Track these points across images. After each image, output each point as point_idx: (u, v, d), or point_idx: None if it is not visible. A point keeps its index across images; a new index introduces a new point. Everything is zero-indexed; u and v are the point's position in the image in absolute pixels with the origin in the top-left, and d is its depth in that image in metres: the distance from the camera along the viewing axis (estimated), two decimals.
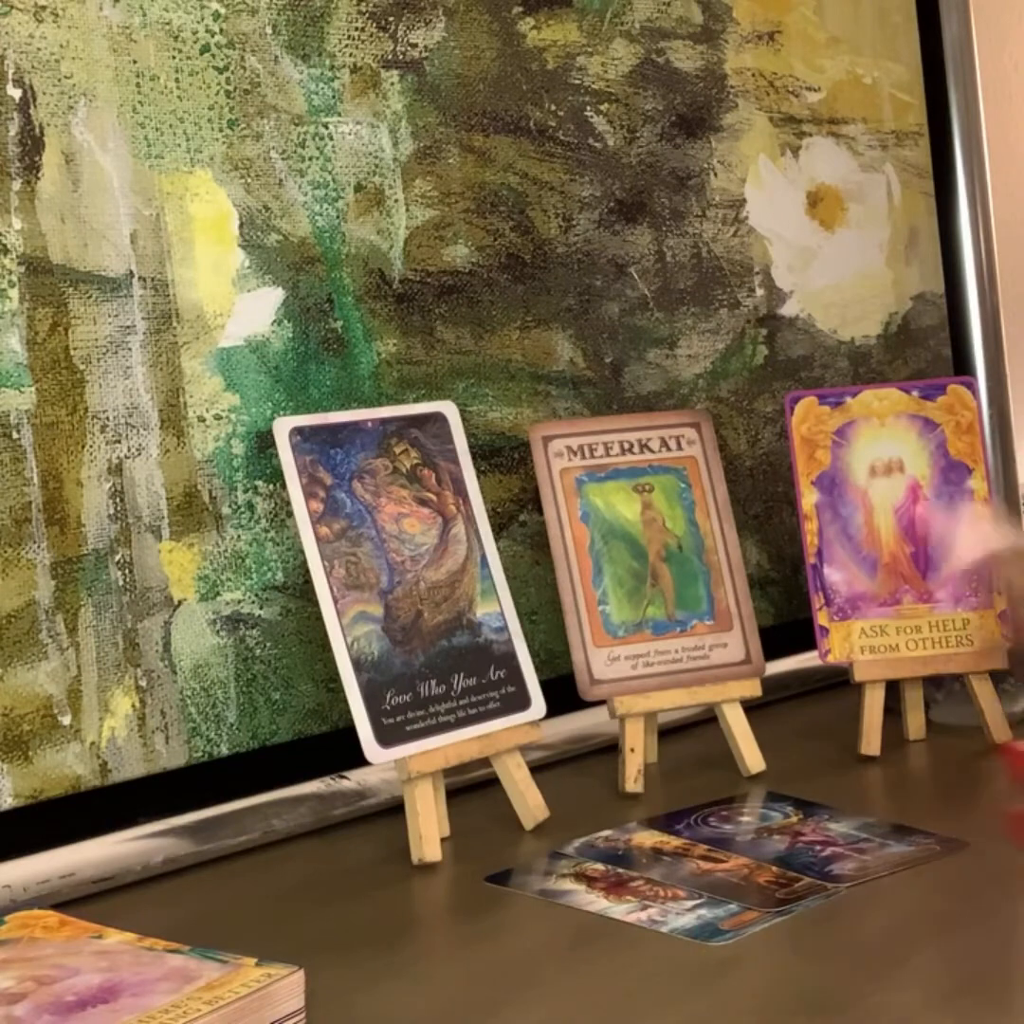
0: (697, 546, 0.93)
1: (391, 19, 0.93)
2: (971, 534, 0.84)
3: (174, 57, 0.85)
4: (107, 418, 0.82)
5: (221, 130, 0.86)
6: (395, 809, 0.83)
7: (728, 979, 0.64)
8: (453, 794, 0.85)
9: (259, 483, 0.87)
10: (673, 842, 0.80)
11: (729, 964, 0.65)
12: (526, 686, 0.85)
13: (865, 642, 0.94)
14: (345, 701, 0.79)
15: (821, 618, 0.95)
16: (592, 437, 0.93)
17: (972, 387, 1.00)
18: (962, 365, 1.25)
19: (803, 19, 1.16)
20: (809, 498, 0.96)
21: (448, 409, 0.88)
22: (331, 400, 0.90)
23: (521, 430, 0.98)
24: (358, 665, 0.79)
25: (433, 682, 0.81)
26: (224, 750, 0.86)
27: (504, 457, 0.98)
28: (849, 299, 1.18)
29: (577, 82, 1.02)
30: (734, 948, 0.67)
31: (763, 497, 1.11)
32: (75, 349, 0.81)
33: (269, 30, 0.88)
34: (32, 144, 0.80)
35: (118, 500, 0.82)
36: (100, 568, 0.81)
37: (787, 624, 1.09)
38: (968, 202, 1.25)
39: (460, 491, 0.86)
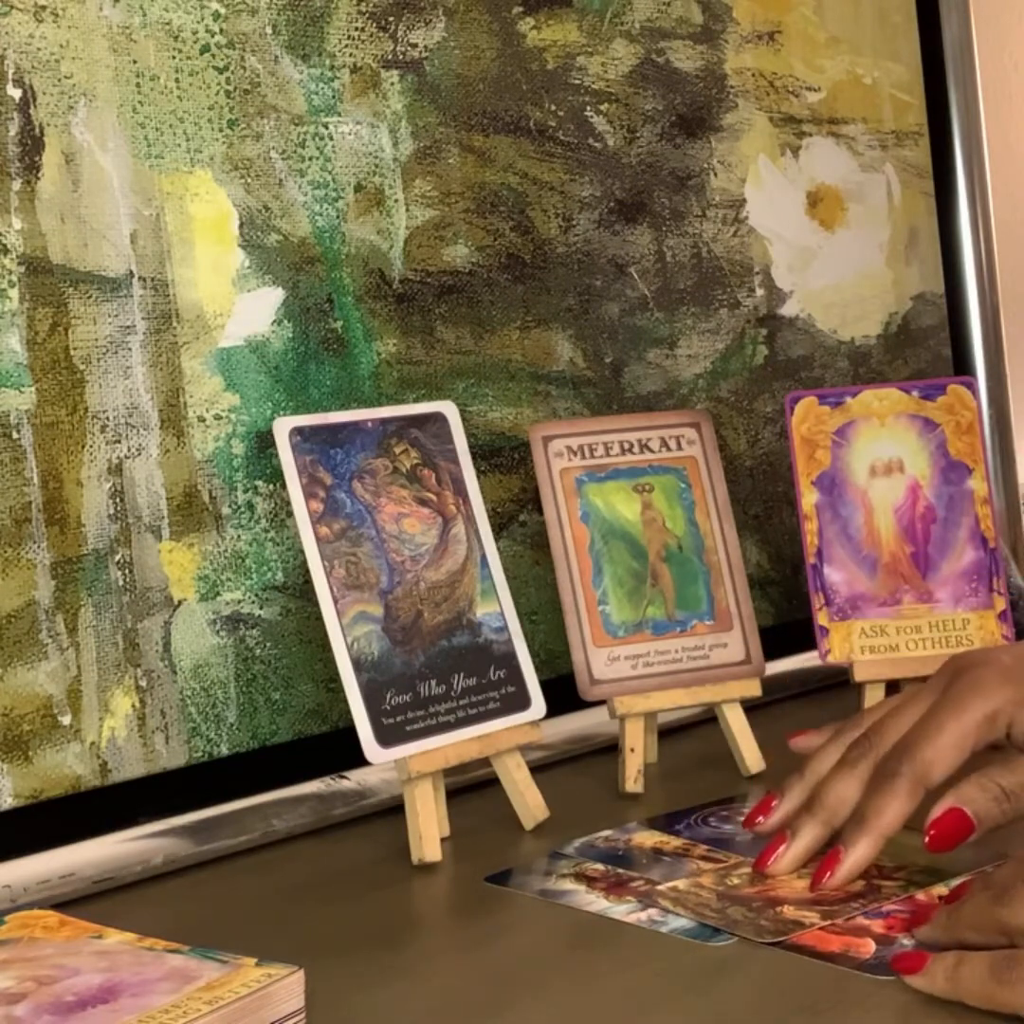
0: (697, 546, 0.93)
1: (391, 19, 0.93)
2: None
3: (174, 57, 0.85)
4: (107, 418, 0.82)
5: (221, 130, 0.86)
6: (395, 809, 0.83)
7: (728, 979, 0.64)
8: (453, 794, 0.85)
9: (259, 483, 0.87)
10: (673, 842, 0.80)
11: (729, 964, 0.65)
12: (526, 686, 0.85)
13: (865, 642, 0.94)
14: (345, 701, 0.79)
15: (821, 618, 0.95)
16: (592, 437, 0.93)
17: (972, 387, 1.00)
18: (962, 365, 1.25)
19: (803, 19, 1.16)
20: (809, 498, 0.96)
21: (448, 409, 0.88)
22: (331, 400, 0.90)
23: (521, 430, 0.98)
24: (358, 665, 0.79)
25: (433, 682, 0.81)
26: (224, 750, 0.86)
27: (504, 457, 0.98)
28: (849, 299, 1.18)
29: (577, 82, 1.02)
30: (734, 948, 0.67)
31: (763, 497, 1.11)
32: (75, 349, 0.81)
33: (269, 30, 0.88)
34: (32, 144, 0.80)
35: (118, 500, 0.82)
36: (100, 568, 0.82)
37: (787, 624, 1.09)
38: (968, 202, 1.25)
39: (460, 491, 0.86)
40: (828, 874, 0.72)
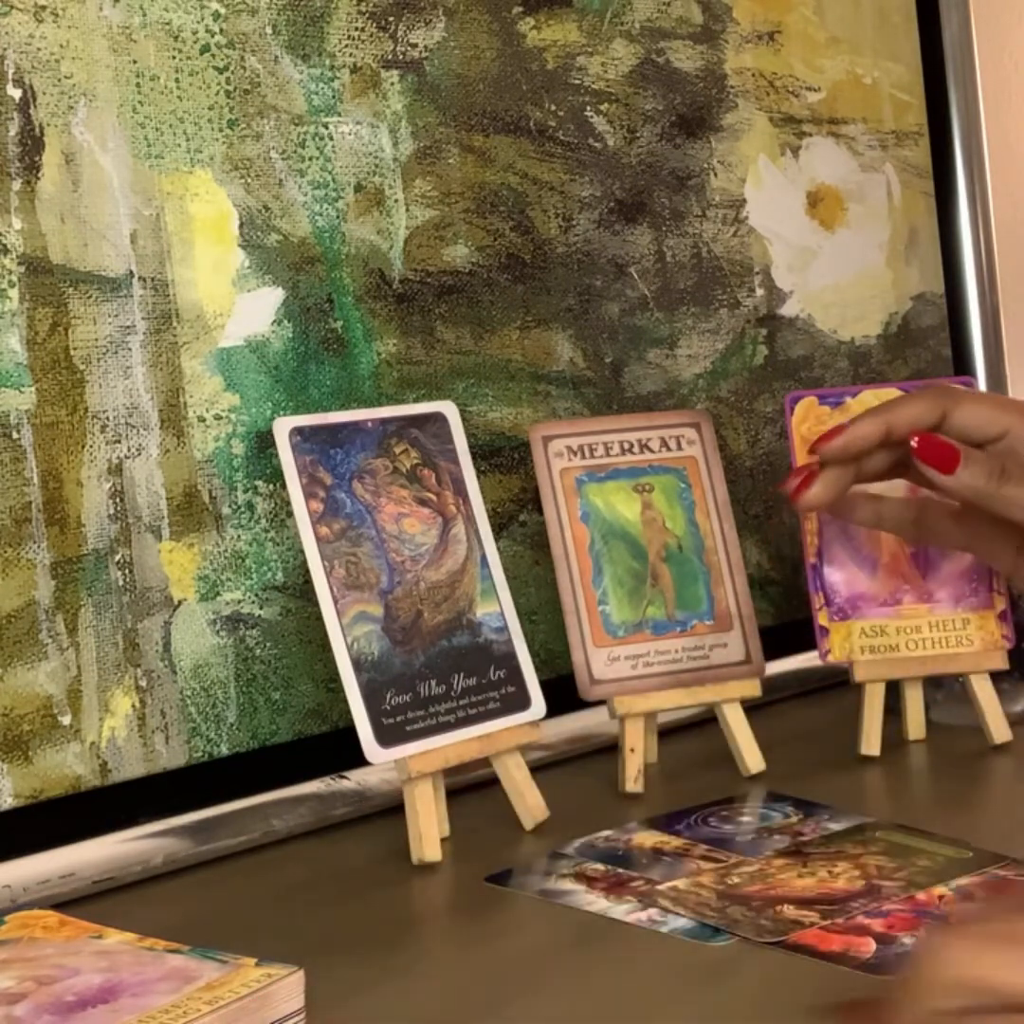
0: (697, 546, 0.93)
1: (391, 19, 0.93)
2: None
3: (174, 57, 0.85)
4: (107, 418, 0.82)
5: (221, 130, 0.86)
6: (395, 809, 0.83)
7: (728, 979, 0.64)
8: (453, 794, 0.85)
9: (259, 483, 0.87)
10: (673, 842, 0.80)
11: (729, 964, 0.65)
12: (526, 686, 0.85)
13: (865, 642, 0.94)
14: (345, 701, 0.79)
15: (821, 618, 0.95)
16: (592, 437, 0.93)
17: (972, 387, 1.00)
18: (962, 365, 1.25)
19: (803, 19, 1.16)
20: None
21: (448, 409, 0.88)
22: (331, 400, 0.90)
23: (521, 430, 0.98)
24: (358, 665, 0.79)
25: (433, 682, 0.81)
26: (224, 750, 0.86)
27: (504, 457, 0.98)
28: (849, 299, 1.18)
29: (577, 82, 1.02)
30: (734, 948, 0.67)
31: (763, 497, 1.11)
32: (75, 349, 0.81)
33: (269, 30, 0.88)
34: (32, 144, 0.80)
35: (118, 500, 0.82)
36: (100, 568, 0.82)
37: (787, 624, 1.09)
38: (968, 202, 1.25)
39: (460, 491, 0.86)
40: (827, 441, 0.80)
